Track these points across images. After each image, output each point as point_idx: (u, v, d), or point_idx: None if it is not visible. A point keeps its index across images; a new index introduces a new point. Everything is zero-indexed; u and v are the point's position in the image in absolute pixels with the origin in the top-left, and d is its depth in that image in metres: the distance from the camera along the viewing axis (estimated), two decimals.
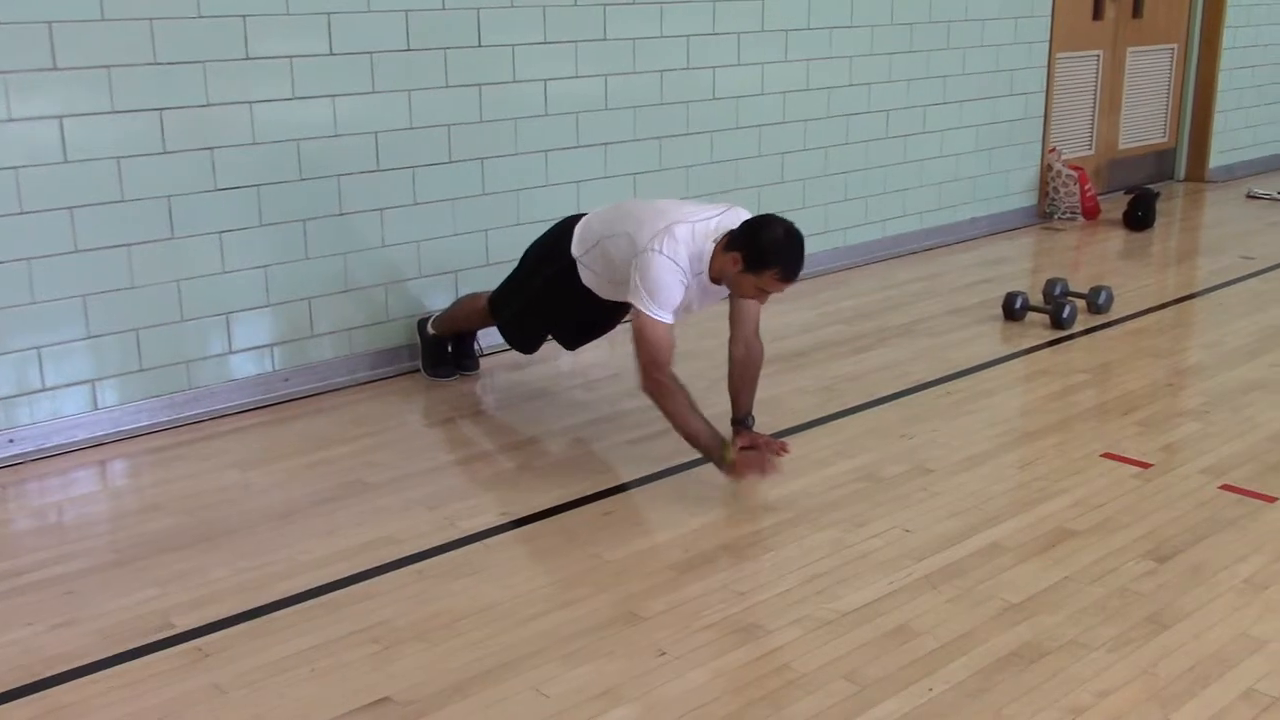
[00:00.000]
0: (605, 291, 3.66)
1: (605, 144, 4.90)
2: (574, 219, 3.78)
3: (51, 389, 3.72)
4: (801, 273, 3.34)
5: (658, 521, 3.28)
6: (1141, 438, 3.81)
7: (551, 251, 3.77)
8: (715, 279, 3.38)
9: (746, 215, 3.42)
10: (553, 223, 3.97)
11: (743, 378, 3.59)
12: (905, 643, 2.66)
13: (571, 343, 4.05)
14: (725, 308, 3.57)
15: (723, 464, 3.33)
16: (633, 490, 3.47)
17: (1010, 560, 3.03)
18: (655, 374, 3.33)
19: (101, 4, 3.59)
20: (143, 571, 3.00)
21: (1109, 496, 3.39)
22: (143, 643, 2.68)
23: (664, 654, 2.62)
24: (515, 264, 4.03)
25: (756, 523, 3.26)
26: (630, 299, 3.37)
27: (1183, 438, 3.82)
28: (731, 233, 3.33)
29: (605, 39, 4.80)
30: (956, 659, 2.60)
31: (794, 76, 5.54)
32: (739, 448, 3.37)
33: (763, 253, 3.26)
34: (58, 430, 3.74)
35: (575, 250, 3.66)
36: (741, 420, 3.60)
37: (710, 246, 3.34)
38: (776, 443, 3.48)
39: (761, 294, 3.37)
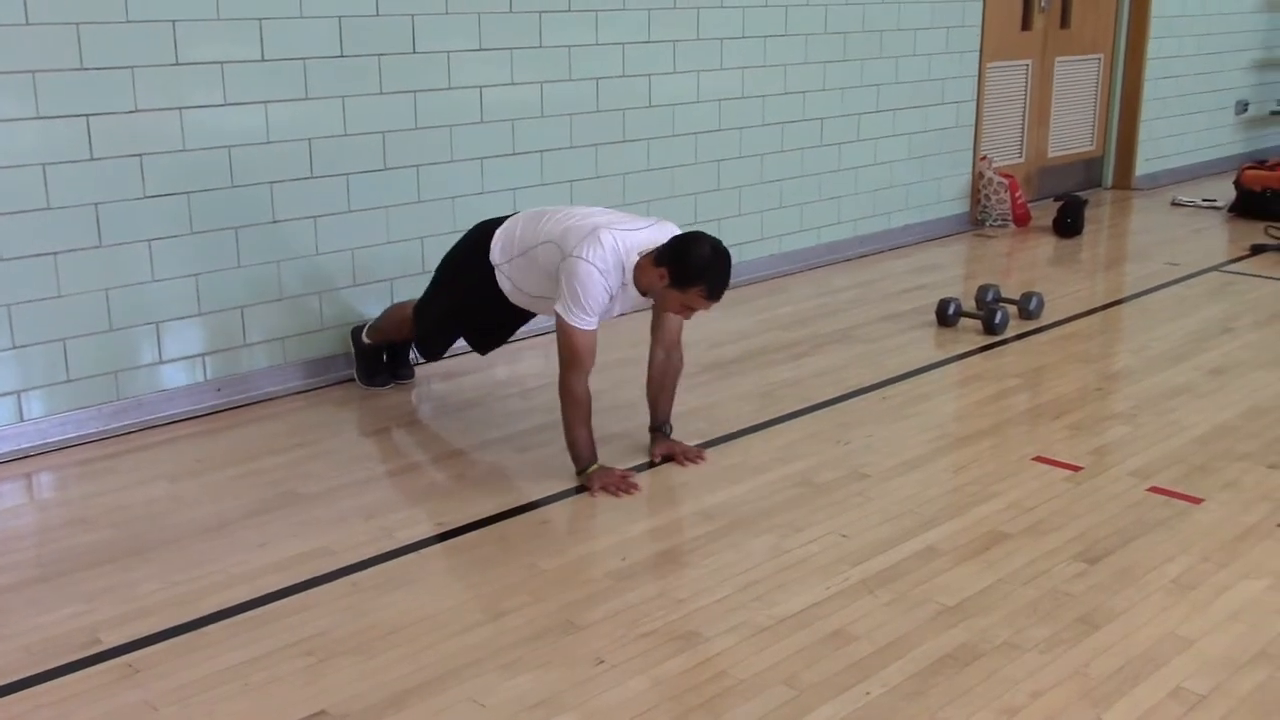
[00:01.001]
0: (520, 300, 3.70)
1: (541, 151, 4.89)
2: (490, 224, 3.78)
3: None
4: (737, 281, 3.38)
5: (595, 529, 3.28)
6: (1072, 441, 3.87)
7: (469, 258, 3.77)
8: (642, 291, 3.42)
9: (675, 229, 3.47)
10: None
11: (661, 385, 3.68)
12: (842, 647, 2.68)
13: (484, 348, 4.06)
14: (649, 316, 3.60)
15: (581, 475, 3.48)
16: (569, 499, 3.46)
17: (945, 564, 3.06)
18: (571, 377, 3.42)
19: (26, 8, 3.52)
20: (70, 586, 2.94)
21: (1041, 499, 3.44)
22: (70, 659, 2.62)
23: (602, 662, 2.62)
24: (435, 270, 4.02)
25: (694, 529, 3.27)
26: (556, 305, 3.41)
27: (1112, 441, 3.89)
28: (660, 248, 3.37)
29: (541, 46, 4.79)
30: (893, 662, 2.62)
31: (729, 84, 5.57)
32: (658, 455, 3.65)
33: (689, 270, 3.30)
34: None
35: (496, 258, 3.67)
36: (659, 428, 3.69)
37: (635, 258, 3.38)
38: (694, 451, 3.67)
39: (686, 310, 3.42)
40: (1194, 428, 3.97)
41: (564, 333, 3.40)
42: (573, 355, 3.40)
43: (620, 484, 3.46)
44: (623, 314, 3.60)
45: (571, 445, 3.49)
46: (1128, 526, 3.27)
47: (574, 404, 3.44)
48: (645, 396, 3.72)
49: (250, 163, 4.07)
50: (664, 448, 3.67)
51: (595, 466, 3.48)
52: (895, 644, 2.69)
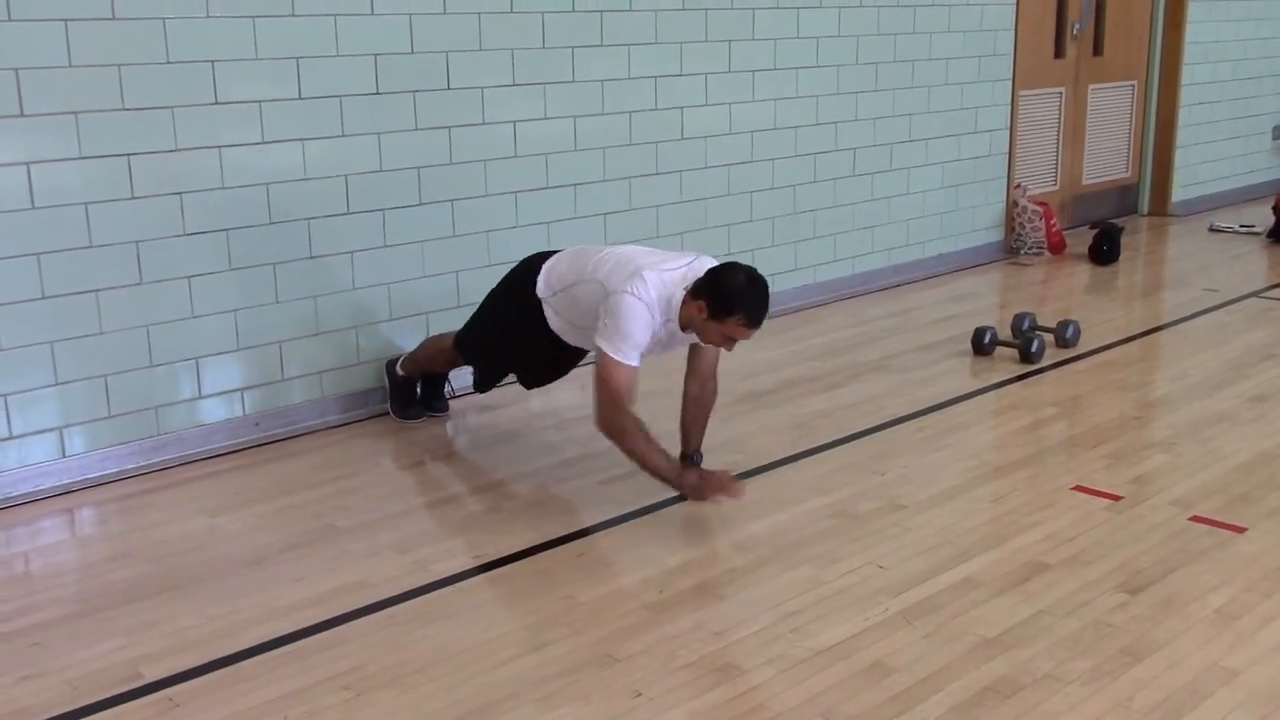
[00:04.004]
0: (570, 336, 3.71)
1: (575, 185, 4.92)
2: (538, 258, 3.80)
3: (19, 437, 3.69)
4: (771, 311, 3.40)
5: (631, 562, 3.28)
6: (1111, 470, 3.84)
7: (516, 291, 3.79)
8: (684, 327, 3.41)
9: (712, 263, 3.46)
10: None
11: (695, 415, 3.67)
12: (881, 679, 2.66)
13: (531, 383, 4.07)
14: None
15: (685, 487, 3.39)
16: (606, 531, 3.46)
17: (984, 595, 3.03)
18: (613, 414, 3.37)
19: (69, 50, 3.59)
20: (111, 621, 2.96)
21: (1080, 529, 3.41)
22: (112, 693, 2.64)
23: (640, 695, 2.61)
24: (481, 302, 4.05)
25: (730, 561, 3.26)
26: (596, 340, 3.39)
27: (1151, 470, 3.85)
28: (697, 281, 3.37)
29: (574, 80, 4.83)
30: (932, 695, 2.59)
31: (761, 116, 5.59)
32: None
33: (727, 300, 3.30)
34: (25, 478, 3.70)
35: (542, 291, 3.68)
36: (689, 456, 3.66)
37: (680, 294, 3.37)
38: (728, 477, 3.51)
39: (728, 341, 3.40)
40: (1235, 456, 3.93)
41: (605, 369, 3.36)
42: (613, 393, 3.35)
43: (728, 486, 3.35)
44: (666, 352, 3.58)
45: (654, 472, 3.40)
46: (1169, 556, 3.23)
47: (630, 435, 3.36)
48: (679, 426, 3.71)
49: (288, 199, 4.12)
50: (695, 474, 3.60)
51: (692, 476, 3.40)
52: (935, 676, 2.66)
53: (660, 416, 3.91)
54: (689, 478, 3.40)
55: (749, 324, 3.34)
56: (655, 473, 3.41)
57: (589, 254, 3.65)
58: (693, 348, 3.60)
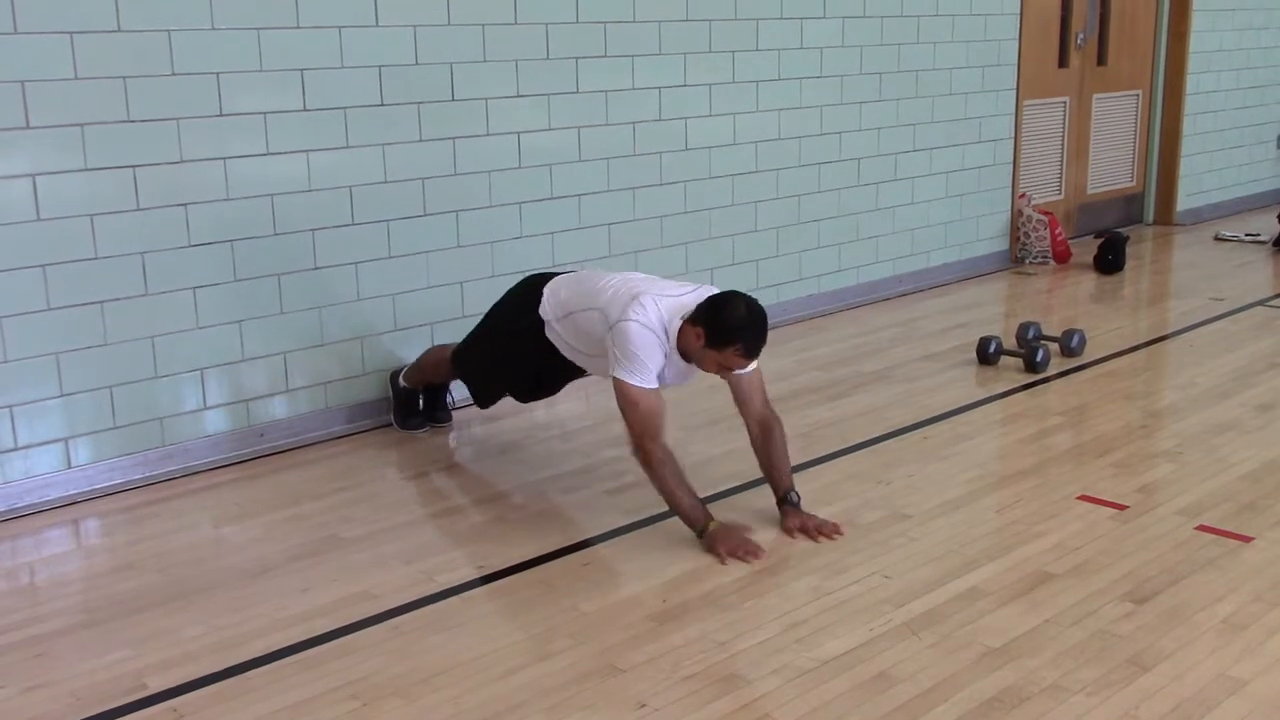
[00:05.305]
0: (575, 357, 3.68)
1: (579, 195, 4.92)
2: (540, 279, 3.79)
3: (24, 448, 3.69)
4: (775, 321, 3.39)
5: (636, 572, 3.27)
6: (1117, 479, 3.83)
7: (518, 310, 3.78)
8: (683, 355, 3.40)
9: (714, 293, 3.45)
10: (525, 275, 3.99)
11: (768, 455, 3.52)
12: (886, 690, 2.65)
13: (526, 398, 4.06)
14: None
15: (702, 538, 3.34)
16: (610, 541, 3.45)
17: (990, 604, 3.03)
18: (646, 444, 3.32)
19: (75, 63, 3.60)
20: (116, 632, 2.96)
21: (1086, 539, 3.40)
22: (117, 704, 2.64)
23: (644, 706, 2.61)
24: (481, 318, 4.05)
25: (735, 571, 3.25)
26: (613, 372, 3.36)
27: (1158, 479, 3.84)
28: (696, 308, 3.35)
29: (577, 91, 4.84)
30: (938, 705, 2.59)
31: (765, 126, 5.59)
32: (792, 530, 3.44)
33: (725, 329, 3.29)
34: (30, 489, 3.71)
35: (545, 314, 3.67)
36: (784, 498, 3.51)
37: (678, 323, 3.36)
38: (829, 524, 3.46)
39: (724, 370, 3.40)
40: (1242, 465, 3.92)
41: (627, 397, 3.32)
42: (640, 418, 3.31)
43: (746, 547, 3.29)
44: (670, 383, 3.51)
45: (677, 510, 3.36)
46: (1176, 566, 3.22)
47: (659, 466, 3.31)
48: (760, 470, 3.58)
49: (292, 211, 4.12)
50: (796, 521, 3.45)
51: (714, 525, 3.32)
52: (940, 686, 2.66)
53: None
54: (710, 527, 3.33)
55: (746, 354, 3.33)
56: (677, 512, 3.37)
57: (592, 280, 3.62)
58: (732, 386, 3.50)
